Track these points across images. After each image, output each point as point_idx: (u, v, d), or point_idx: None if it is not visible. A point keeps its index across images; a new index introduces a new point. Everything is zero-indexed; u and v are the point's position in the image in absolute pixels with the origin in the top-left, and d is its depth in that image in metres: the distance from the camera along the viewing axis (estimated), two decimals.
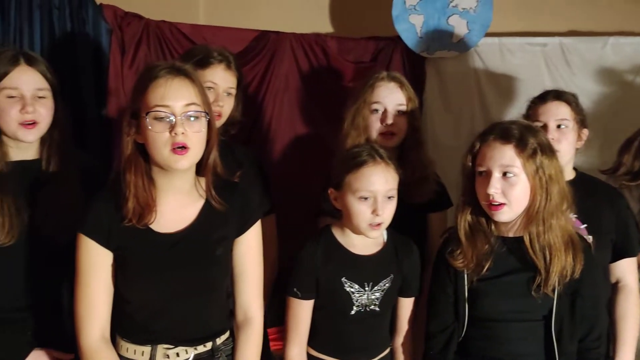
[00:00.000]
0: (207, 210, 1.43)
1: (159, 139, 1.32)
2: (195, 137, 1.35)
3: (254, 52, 2.48)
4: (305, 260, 1.60)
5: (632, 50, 2.52)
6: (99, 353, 1.37)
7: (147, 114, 1.32)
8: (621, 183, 1.95)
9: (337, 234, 1.64)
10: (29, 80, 1.57)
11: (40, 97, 1.59)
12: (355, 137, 1.86)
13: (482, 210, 1.55)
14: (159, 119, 1.32)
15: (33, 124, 1.57)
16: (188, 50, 2.00)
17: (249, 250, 1.48)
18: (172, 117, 1.32)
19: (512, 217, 1.51)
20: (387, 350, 1.68)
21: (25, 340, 1.58)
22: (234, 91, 1.90)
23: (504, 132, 1.53)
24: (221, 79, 1.85)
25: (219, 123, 1.83)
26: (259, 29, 2.53)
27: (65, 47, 2.18)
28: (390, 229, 1.66)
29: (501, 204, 1.49)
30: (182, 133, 1.32)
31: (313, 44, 2.57)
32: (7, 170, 1.57)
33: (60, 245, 1.58)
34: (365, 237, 1.61)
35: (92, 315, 1.37)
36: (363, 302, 1.60)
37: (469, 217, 1.56)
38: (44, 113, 1.59)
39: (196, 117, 1.35)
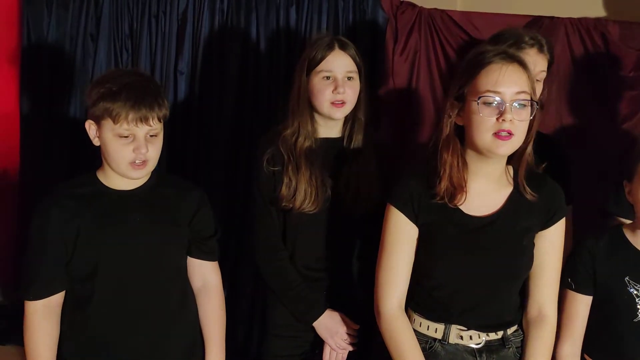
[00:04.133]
0: (514, 199, 1.45)
1: (485, 123, 1.35)
2: (521, 126, 1.36)
3: None
4: (583, 250, 1.54)
5: None
6: (397, 319, 1.46)
7: (479, 98, 1.36)
8: None
9: (627, 232, 1.55)
10: (341, 64, 1.74)
11: (349, 79, 1.76)
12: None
13: None
14: (488, 104, 1.35)
15: (342, 103, 1.73)
16: (498, 34, 1.98)
17: (551, 246, 1.46)
18: (502, 104, 1.34)
19: None
20: None
21: (320, 299, 1.79)
22: (544, 75, 1.89)
23: None
24: (534, 62, 1.81)
25: None
26: (533, 14, 2.45)
27: (347, 35, 2.39)
28: None
29: None
30: (510, 120, 1.34)
31: (591, 29, 2.39)
32: (315, 146, 1.77)
33: (358, 217, 1.77)
34: None
35: (393, 284, 1.46)
36: None
37: None
38: (350, 94, 1.75)
39: (524, 106, 1.36)
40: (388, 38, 2.46)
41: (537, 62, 1.81)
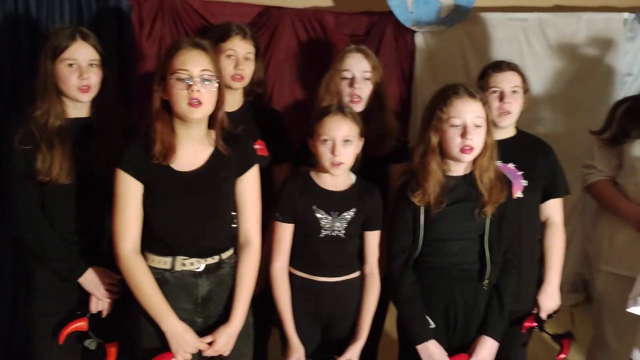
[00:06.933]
0: (215, 155, 1.79)
1: (180, 94, 1.68)
2: (207, 95, 1.70)
3: (258, 26, 2.73)
4: (286, 191, 1.97)
5: (604, 26, 2.71)
6: (133, 259, 1.74)
7: (172, 74, 1.69)
8: (602, 142, 2.21)
9: (313, 175, 1.99)
10: (84, 52, 1.93)
11: (92, 66, 1.94)
12: (328, 100, 2.15)
13: (440, 154, 1.87)
14: (180, 79, 1.69)
15: (87, 87, 1.92)
16: (213, 27, 2.33)
17: (248, 188, 1.84)
18: (190, 79, 1.68)
19: (473, 158, 1.84)
20: (357, 274, 2.00)
21: (79, 259, 1.94)
22: (252, 56, 2.26)
23: (468, 90, 1.86)
24: (239, 47, 2.21)
25: (242, 84, 2.23)
26: (263, 4, 2.80)
27: (92, 24, 2.49)
28: (359, 176, 1.98)
29: (471, 148, 1.82)
30: (198, 91, 1.67)
31: (311, 18, 2.82)
32: (66, 125, 1.94)
33: (109, 187, 1.91)
34: (335, 178, 1.94)
35: (126, 231, 1.73)
36: (330, 227, 1.93)
37: (432, 162, 1.87)
38: (94, 79, 1.94)
39: (209, 80, 1.71)
40: (134, 25, 2.63)
41: (243, 45, 2.22)
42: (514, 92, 2.06)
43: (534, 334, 2.16)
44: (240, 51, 2.19)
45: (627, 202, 2.13)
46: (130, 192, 1.73)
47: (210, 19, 2.70)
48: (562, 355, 2.03)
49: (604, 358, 2.27)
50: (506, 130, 2.08)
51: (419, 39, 2.88)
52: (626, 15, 2.71)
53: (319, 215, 1.92)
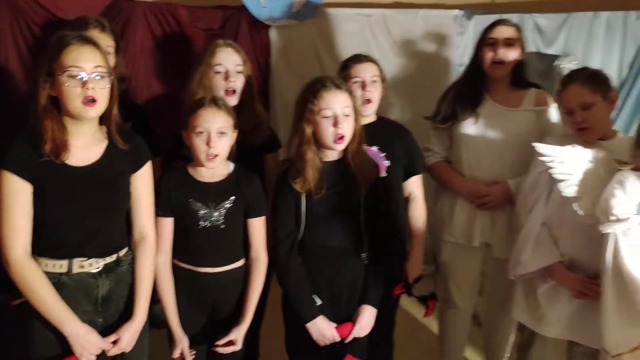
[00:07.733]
0: (110, 150, 1.74)
1: (73, 92, 1.61)
2: (101, 92, 1.65)
3: (109, 19, 2.61)
4: (162, 186, 1.95)
5: (437, 21, 3.01)
6: (26, 264, 1.65)
7: (63, 72, 1.60)
8: (435, 125, 2.44)
9: (190, 169, 2.00)
10: None
11: None
12: (201, 94, 2.14)
13: (314, 144, 1.96)
14: (73, 76, 1.60)
15: None
16: (70, 21, 2.20)
17: (142, 184, 1.82)
18: (84, 75, 1.61)
19: (346, 145, 1.96)
20: (241, 263, 2.03)
21: None
22: (111, 49, 2.20)
23: (335, 82, 1.96)
24: (101, 39, 2.08)
25: None
26: None
27: None
28: (237, 165, 2.02)
29: (343, 136, 1.93)
30: (92, 88, 1.61)
31: (165, 12, 2.79)
32: None
33: None
34: (211, 169, 1.95)
35: (16, 235, 1.64)
36: (208, 218, 1.94)
37: (308, 151, 1.95)
38: None
39: (102, 77, 1.65)
40: None
41: (101, 38, 2.13)
42: (374, 81, 2.22)
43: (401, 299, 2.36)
44: (101, 42, 2.10)
45: (461, 179, 2.38)
46: (18, 194, 1.63)
47: (55, 12, 2.56)
48: (429, 315, 2.25)
49: (452, 314, 2.56)
50: (368, 117, 2.24)
51: (273, 33, 2.99)
52: (456, 12, 3.03)
53: (196, 207, 1.94)
